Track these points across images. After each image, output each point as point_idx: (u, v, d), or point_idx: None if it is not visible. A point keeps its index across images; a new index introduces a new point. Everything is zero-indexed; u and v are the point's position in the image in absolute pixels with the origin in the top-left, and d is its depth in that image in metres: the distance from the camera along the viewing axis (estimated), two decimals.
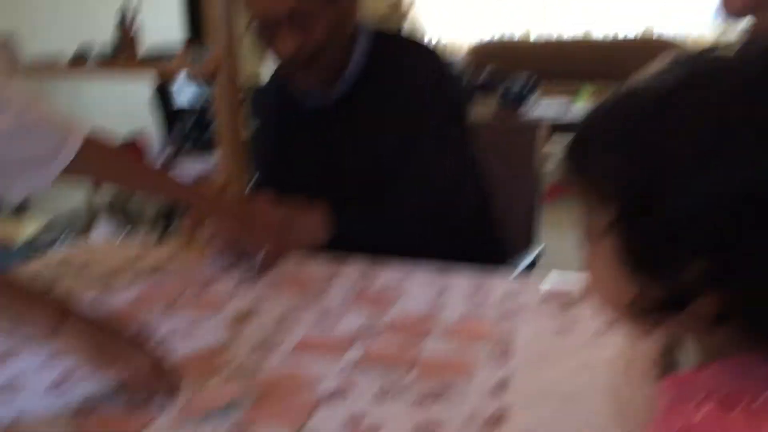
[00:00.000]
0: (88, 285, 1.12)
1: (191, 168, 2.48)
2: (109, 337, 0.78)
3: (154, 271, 1.18)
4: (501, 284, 1.08)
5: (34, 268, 1.21)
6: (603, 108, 0.52)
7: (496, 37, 5.30)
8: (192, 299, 1.05)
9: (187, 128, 3.68)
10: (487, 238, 1.43)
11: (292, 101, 1.38)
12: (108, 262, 1.22)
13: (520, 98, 3.98)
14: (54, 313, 0.76)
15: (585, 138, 0.52)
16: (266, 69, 4.23)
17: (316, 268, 1.17)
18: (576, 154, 0.52)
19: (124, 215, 4.24)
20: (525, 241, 1.60)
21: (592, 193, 0.50)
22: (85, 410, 0.75)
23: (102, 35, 3.01)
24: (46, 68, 2.55)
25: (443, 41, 5.26)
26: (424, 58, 1.34)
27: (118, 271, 1.18)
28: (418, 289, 1.07)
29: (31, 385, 0.81)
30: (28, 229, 2.74)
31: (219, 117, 2.37)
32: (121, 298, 1.06)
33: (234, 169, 2.37)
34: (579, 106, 3.97)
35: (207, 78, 2.37)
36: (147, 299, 1.06)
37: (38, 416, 0.74)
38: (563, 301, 1.00)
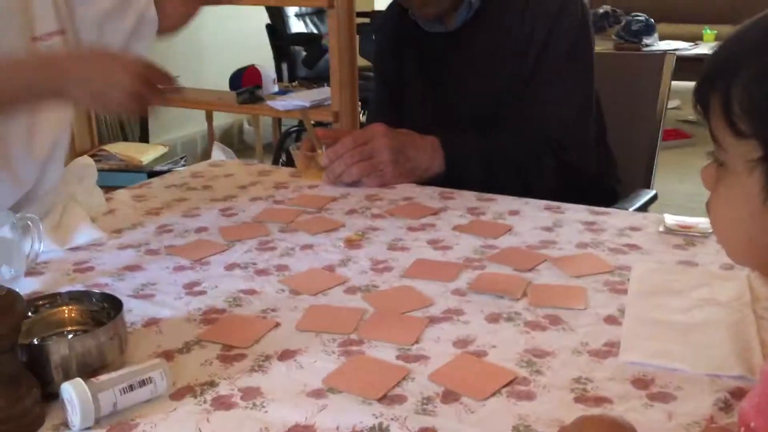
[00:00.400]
0: (212, 200, 1.18)
1: (305, 96, 2.52)
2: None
3: (274, 190, 1.23)
4: (616, 219, 1.06)
5: (164, 181, 1.28)
6: (741, 39, 0.49)
7: None
8: (309, 220, 1.09)
9: (300, 60, 3.73)
10: (601, 175, 1.40)
11: (412, 28, 1.38)
12: (230, 181, 1.28)
13: (641, 34, 3.79)
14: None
15: (723, 71, 0.49)
16: (381, 2, 4.22)
17: (428, 196, 1.18)
18: (711, 88, 0.49)
19: (239, 145, 4.39)
20: (640, 182, 1.55)
21: (729, 129, 0.48)
22: (211, 313, 0.81)
23: None
24: None
25: None
26: None
27: (240, 190, 1.23)
28: (530, 221, 1.07)
29: (163, 289, 0.87)
30: (152, 153, 2.88)
31: (333, 48, 2.39)
32: (242, 215, 1.12)
33: (347, 99, 2.40)
34: (703, 47, 3.74)
35: (324, 9, 2.39)
36: (267, 217, 1.11)
37: (172, 316, 0.80)
38: (683, 238, 0.97)
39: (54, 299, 0.72)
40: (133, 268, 0.93)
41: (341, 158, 1.21)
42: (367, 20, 3.38)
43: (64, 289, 0.82)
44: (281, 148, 3.20)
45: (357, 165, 1.20)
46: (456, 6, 1.30)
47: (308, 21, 4.09)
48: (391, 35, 1.46)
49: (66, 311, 0.70)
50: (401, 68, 1.43)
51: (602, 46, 3.39)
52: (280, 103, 2.49)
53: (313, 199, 1.19)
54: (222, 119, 4.04)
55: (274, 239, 1.02)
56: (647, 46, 3.70)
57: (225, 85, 3.44)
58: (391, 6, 1.46)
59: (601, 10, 3.98)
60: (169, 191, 1.24)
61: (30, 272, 0.90)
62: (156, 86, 0.91)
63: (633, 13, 3.93)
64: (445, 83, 1.37)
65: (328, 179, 1.24)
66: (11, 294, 0.60)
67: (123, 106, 0.89)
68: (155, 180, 1.31)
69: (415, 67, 1.41)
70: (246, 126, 4.39)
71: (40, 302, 0.71)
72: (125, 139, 3.26)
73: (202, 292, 0.86)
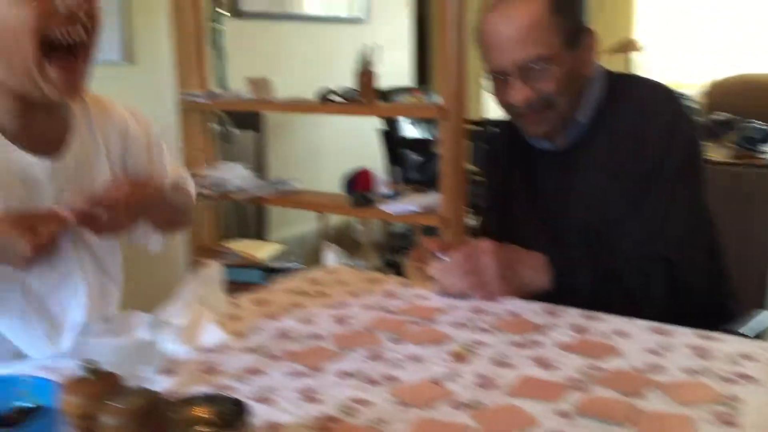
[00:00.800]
0: (326, 307, 1.25)
1: (415, 201, 2.62)
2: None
3: (385, 299, 1.29)
4: (727, 345, 1.04)
5: (283, 286, 1.37)
6: None
7: (733, 74, 4.97)
8: (417, 331, 1.14)
9: (411, 164, 3.87)
10: (713, 294, 1.37)
11: (522, 143, 1.43)
12: (343, 288, 1.35)
13: (758, 142, 3.70)
14: None
15: None
16: (491, 112, 4.37)
17: (533, 312, 1.20)
18: None
19: (348, 243, 4.53)
20: (756, 301, 1.50)
21: None
22: (327, 421, 0.86)
23: (340, 81, 3.35)
24: (294, 105, 2.85)
25: (676, 80, 5.03)
26: (659, 102, 1.33)
27: (353, 298, 1.30)
28: (637, 343, 1.07)
29: (283, 394, 0.94)
30: (268, 250, 3.04)
31: (444, 155, 2.49)
32: (355, 323, 1.18)
33: (455, 205, 2.48)
34: None
35: (435, 118, 2.50)
36: (377, 326, 1.16)
37: (290, 422, 0.86)
38: None
39: (188, 399, 0.79)
40: (254, 371, 1.00)
41: (450, 271, 1.26)
42: (477, 128, 3.48)
43: (193, 390, 0.89)
44: (390, 249, 3.29)
45: (465, 278, 1.25)
46: (565, 125, 1.35)
47: (421, 127, 4.26)
48: (502, 149, 1.52)
49: (199, 412, 0.77)
50: (510, 182, 1.48)
51: (717, 153, 3.33)
52: (391, 208, 2.60)
53: (421, 309, 1.24)
54: (334, 218, 4.21)
55: (384, 349, 1.07)
56: (764, 153, 3.60)
57: (338, 185, 3.60)
58: (503, 121, 1.53)
59: (717, 117, 3.93)
60: (287, 296, 1.32)
61: (163, 371, 0.99)
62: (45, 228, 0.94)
63: (750, 120, 3.86)
64: (553, 200, 1.40)
65: (437, 290, 1.28)
66: (156, 396, 0.67)
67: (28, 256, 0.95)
68: (275, 285, 1.40)
69: (523, 183, 1.46)
70: (357, 226, 4.55)
71: (176, 402, 0.78)
72: (244, 236, 3.45)
73: (318, 399, 0.91)
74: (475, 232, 3.08)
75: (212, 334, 1.10)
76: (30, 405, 0.87)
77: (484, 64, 1.34)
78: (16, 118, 1.06)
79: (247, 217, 3.55)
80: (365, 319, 1.20)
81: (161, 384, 0.95)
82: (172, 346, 1.01)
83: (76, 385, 0.71)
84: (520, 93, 1.29)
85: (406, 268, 1.39)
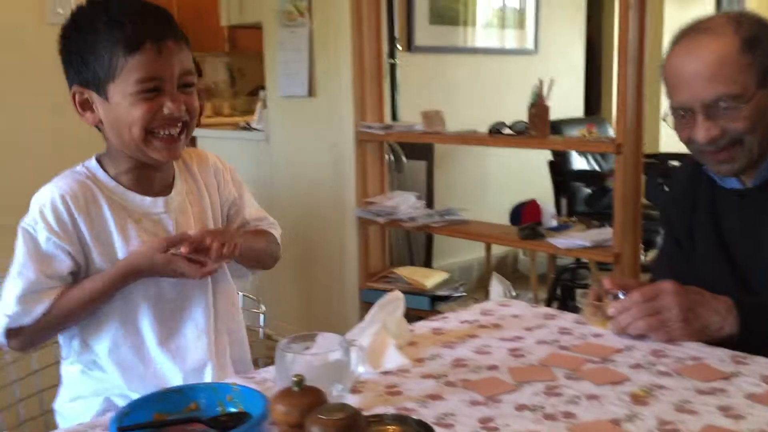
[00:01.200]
0: (501, 339, 1.28)
1: (585, 236, 2.58)
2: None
3: (559, 335, 1.30)
4: None
5: (457, 315, 1.42)
6: None
7: None
8: (594, 369, 1.14)
9: (579, 196, 3.81)
10: None
11: (707, 180, 1.39)
12: (517, 322, 1.38)
13: None
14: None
15: None
16: (668, 145, 4.21)
17: (718, 358, 1.17)
18: None
19: (511, 274, 4.52)
20: None
21: None
22: None
23: (509, 111, 3.39)
24: (464, 138, 2.91)
25: None
26: None
27: (526, 331, 1.32)
28: None
29: (462, 420, 0.98)
30: (434, 278, 3.11)
31: (617, 189, 2.44)
32: (530, 357, 1.20)
33: (629, 241, 2.42)
34: None
35: (611, 151, 2.47)
36: (553, 362, 1.18)
37: None
38: None
39: (380, 419, 0.86)
40: (434, 396, 1.06)
41: (629, 311, 1.25)
42: (653, 161, 3.38)
43: (380, 410, 0.96)
44: (557, 283, 3.25)
45: (645, 319, 1.23)
46: (755, 163, 1.30)
47: (590, 158, 4.18)
48: (684, 186, 1.48)
49: (390, 430, 0.83)
50: (692, 221, 1.44)
51: None
52: (561, 242, 2.58)
53: (597, 348, 1.24)
54: (499, 248, 4.22)
55: (560, 385, 1.09)
56: None
57: (504, 216, 3.62)
58: (685, 156, 1.49)
59: None
60: (462, 327, 1.37)
61: (352, 390, 1.07)
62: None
63: None
64: (738, 242, 1.35)
65: (614, 329, 1.28)
66: (357, 412, 0.74)
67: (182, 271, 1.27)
68: (450, 315, 1.45)
69: (707, 223, 1.41)
70: (521, 256, 4.52)
71: (369, 420, 0.85)
72: (412, 263, 3.56)
73: (496, 429, 0.95)
74: (649, 270, 2.98)
75: (394, 358, 1.17)
76: (237, 410, 0.98)
77: (668, 98, 1.33)
78: (133, 171, 1.32)
79: (416, 244, 3.65)
80: (540, 353, 1.22)
81: (351, 402, 1.02)
82: (360, 366, 1.09)
83: (286, 396, 0.80)
84: (705, 131, 1.26)
85: (583, 305, 1.39)
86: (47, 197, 1.26)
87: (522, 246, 3.04)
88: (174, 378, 1.32)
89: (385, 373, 1.15)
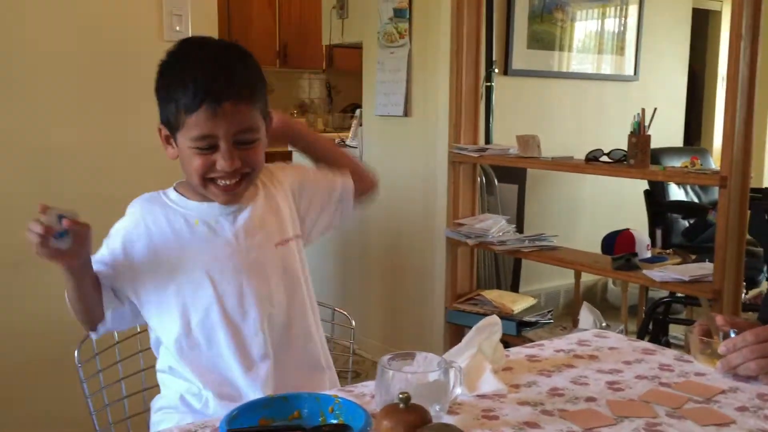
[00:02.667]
0: (598, 371, 1.26)
1: (683, 270, 2.50)
2: None
3: (659, 371, 1.27)
4: None
5: (553, 344, 1.41)
6: None
7: None
8: (697, 409, 1.11)
9: (676, 228, 3.70)
10: None
11: None
12: (615, 354, 1.36)
13: None
14: None
15: None
16: None
17: None
18: None
19: (601, 300, 4.42)
20: None
21: None
22: None
23: (606, 137, 3.34)
24: (559, 165, 2.88)
25: None
26: None
27: (625, 365, 1.30)
28: None
29: None
30: (521, 303, 3.08)
31: (721, 224, 2.36)
32: (629, 392, 1.18)
33: (731, 278, 2.33)
34: None
35: (715, 184, 2.39)
36: (653, 398, 1.15)
37: None
38: None
39: None
40: (531, 424, 1.06)
41: (740, 350, 1.21)
42: (758, 195, 3.25)
43: None
44: (651, 316, 3.16)
45: (757, 361, 1.19)
46: None
47: (689, 189, 4.06)
48: None
49: None
50: None
51: None
52: (658, 274, 2.51)
53: (700, 387, 1.20)
54: (587, 277, 4.15)
55: (662, 422, 1.06)
56: None
57: (594, 244, 3.55)
58: None
59: None
60: (558, 355, 1.36)
61: (448, 411, 1.08)
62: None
63: None
64: None
65: (722, 369, 1.24)
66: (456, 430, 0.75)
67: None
68: (546, 342, 1.45)
69: None
70: (611, 286, 4.42)
71: None
72: (498, 286, 3.53)
73: None
74: (750, 309, 2.86)
75: (490, 383, 1.18)
76: (337, 422, 1.01)
77: None
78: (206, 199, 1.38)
79: (504, 267, 3.63)
80: (639, 389, 1.20)
81: (447, 422, 1.03)
82: (457, 388, 1.10)
83: (392, 412, 0.82)
84: None
85: (691, 340, 1.35)
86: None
87: (615, 276, 2.97)
88: (233, 372, 1.34)
89: (481, 396, 1.15)
